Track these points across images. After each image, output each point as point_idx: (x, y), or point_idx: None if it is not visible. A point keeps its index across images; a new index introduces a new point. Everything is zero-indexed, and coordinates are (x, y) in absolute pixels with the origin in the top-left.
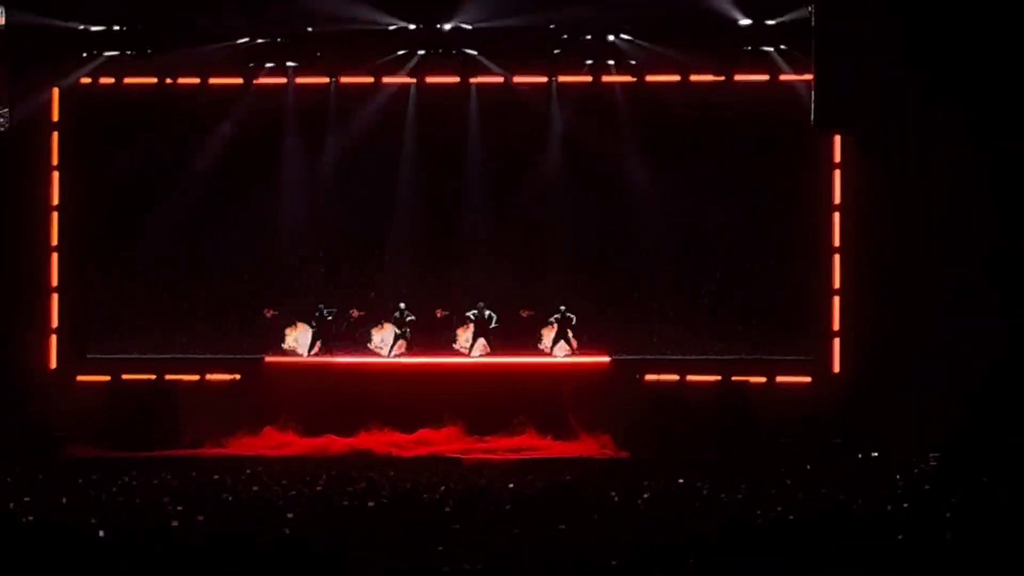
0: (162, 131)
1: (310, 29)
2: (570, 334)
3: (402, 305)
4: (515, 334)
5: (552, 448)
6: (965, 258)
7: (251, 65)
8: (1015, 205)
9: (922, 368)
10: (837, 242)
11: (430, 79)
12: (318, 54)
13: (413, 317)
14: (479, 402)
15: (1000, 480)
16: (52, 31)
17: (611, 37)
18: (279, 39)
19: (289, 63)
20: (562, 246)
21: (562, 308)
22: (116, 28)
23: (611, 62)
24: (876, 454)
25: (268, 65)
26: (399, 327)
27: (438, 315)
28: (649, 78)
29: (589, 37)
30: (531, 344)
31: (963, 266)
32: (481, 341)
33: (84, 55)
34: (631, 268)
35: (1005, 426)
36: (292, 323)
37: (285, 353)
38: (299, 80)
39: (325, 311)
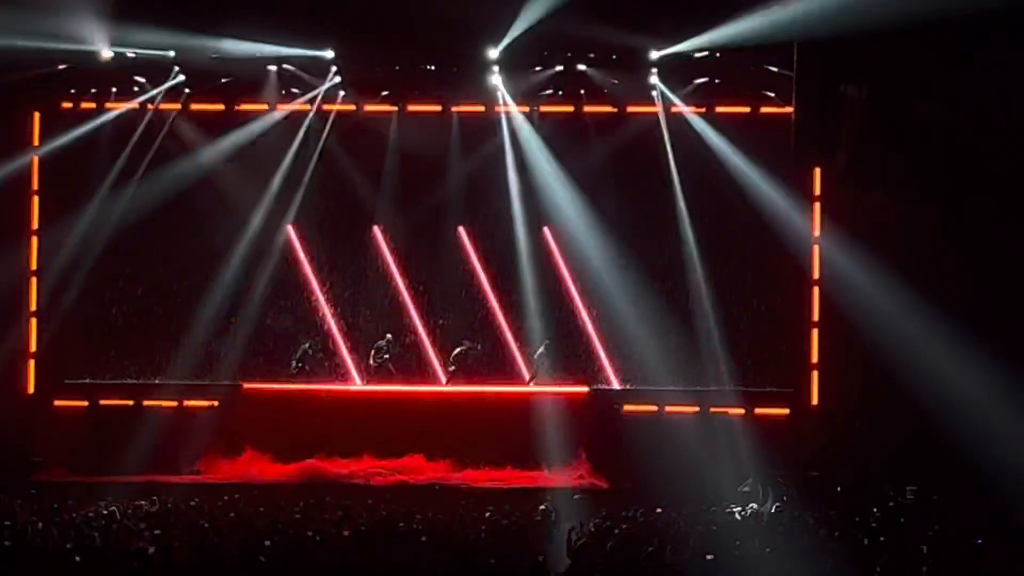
0: (142, 157)
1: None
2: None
3: (388, 336)
4: (494, 363)
5: (530, 477)
6: (944, 291)
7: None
8: (992, 239)
9: (900, 401)
10: (816, 275)
11: (412, 107)
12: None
13: (397, 348)
14: (457, 431)
15: (976, 514)
16: (35, 54)
17: (583, 67)
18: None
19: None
20: (542, 277)
21: (547, 341)
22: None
23: (582, 91)
24: (852, 486)
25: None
26: (383, 354)
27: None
28: (630, 109)
29: (560, 68)
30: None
31: (942, 299)
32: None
33: (66, 79)
34: (610, 299)
35: (984, 460)
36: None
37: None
38: (280, 107)
39: (308, 346)
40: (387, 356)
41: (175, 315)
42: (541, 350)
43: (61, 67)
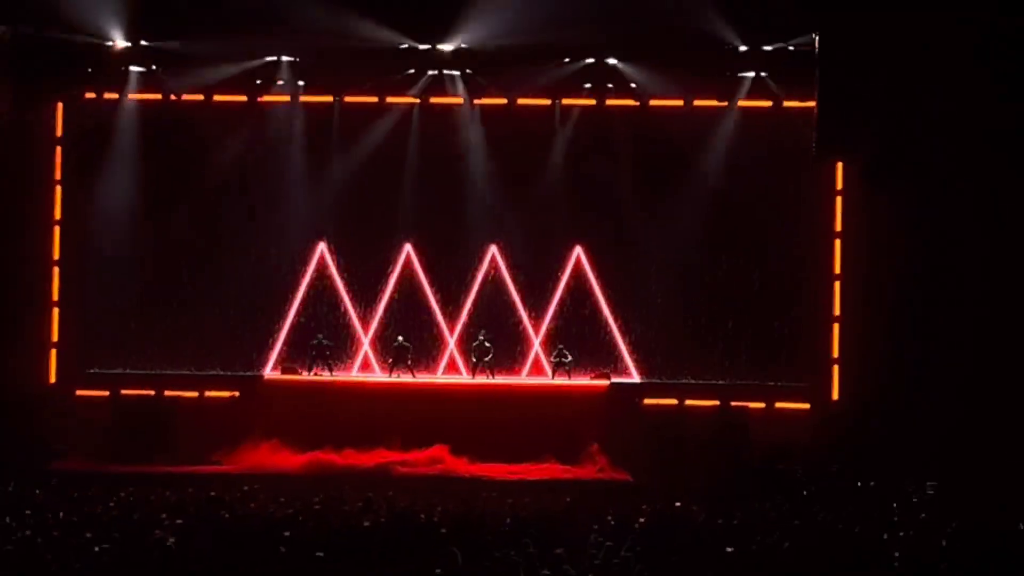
0: (166, 147)
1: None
2: (566, 365)
3: (400, 338)
4: (512, 356)
5: (550, 470)
6: (966, 286)
7: (258, 83)
8: (1015, 233)
9: (921, 395)
10: (838, 269)
11: (434, 99)
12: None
13: (408, 345)
14: (478, 424)
15: (996, 509)
16: (58, 44)
17: (612, 60)
18: (285, 58)
19: (300, 82)
20: (564, 268)
21: (560, 346)
22: (124, 44)
23: (610, 85)
24: (873, 482)
25: (280, 82)
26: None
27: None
28: (652, 103)
29: (591, 61)
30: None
31: (964, 293)
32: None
33: (90, 70)
34: (630, 291)
35: (1005, 455)
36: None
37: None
38: (303, 98)
39: (323, 339)
40: (408, 360)
41: (197, 305)
42: (479, 340)
43: (83, 56)
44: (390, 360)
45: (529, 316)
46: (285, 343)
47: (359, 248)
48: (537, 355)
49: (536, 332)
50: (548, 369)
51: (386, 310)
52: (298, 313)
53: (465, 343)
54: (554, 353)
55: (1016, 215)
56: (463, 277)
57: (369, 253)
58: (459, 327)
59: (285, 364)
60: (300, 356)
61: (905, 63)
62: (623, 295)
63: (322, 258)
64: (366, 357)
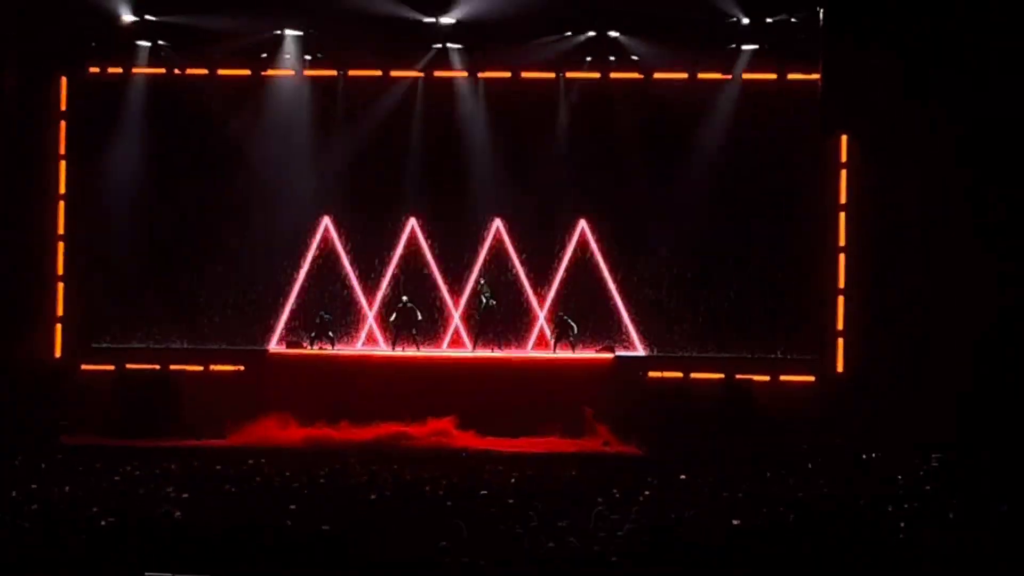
0: (170, 122)
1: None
2: (571, 336)
3: (404, 298)
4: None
5: (555, 443)
6: (969, 259)
7: (263, 56)
8: (1017, 207)
9: (926, 368)
10: (842, 242)
11: (438, 73)
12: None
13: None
14: (483, 397)
15: (1002, 481)
16: (62, 19)
17: (614, 33)
18: (290, 32)
19: (306, 56)
20: (568, 243)
21: (560, 314)
22: (129, 19)
23: (612, 58)
24: (877, 454)
25: (285, 56)
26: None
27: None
28: (656, 75)
29: (593, 33)
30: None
31: (967, 267)
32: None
33: (93, 44)
34: (635, 265)
35: (1009, 425)
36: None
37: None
38: (308, 73)
39: (324, 315)
40: (414, 328)
41: (202, 280)
42: (399, 308)
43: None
44: (393, 329)
45: (534, 290)
46: (289, 317)
47: (364, 223)
48: (542, 329)
49: (541, 306)
50: (550, 338)
51: (390, 284)
52: (303, 288)
53: (470, 317)
54: (556, 322)
55: (1019, 188)
56: (468, 251)
57: (374, 228)
58: (463, 302)
59: (289, 338)
60: (304, 330)
61: (910, 34)
62: (628, 268)
63: (327, 232)
64: (370, 331)
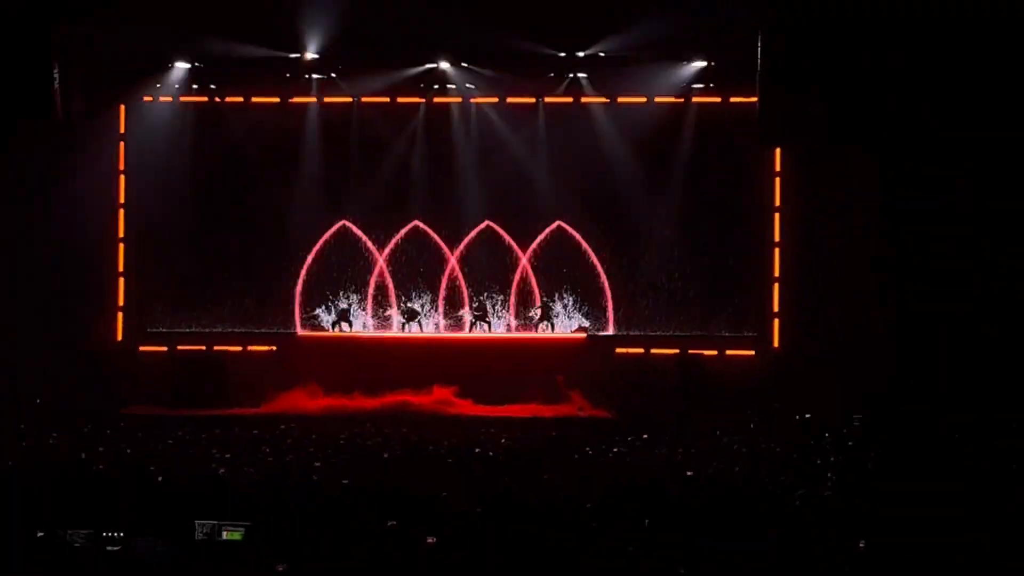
0: (212, 142)
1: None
2: (550, 319)
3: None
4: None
5: (538, 409)
6: (885, 250)
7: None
8: (926, 206)
9: (849, 343)
10: (777, 238)
11: (437, 99)
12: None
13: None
14: (478, 371)
15: (914, 437)
16: (122, 57)
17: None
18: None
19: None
20: (547, 241)
21: (544, 299)
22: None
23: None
24: (809, 416)
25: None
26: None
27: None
28: (620, 99)
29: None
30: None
31: (882, 257)
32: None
33: (146, 77)
34: (606, 259)
35: (918, 390)
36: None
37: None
38: (327, 99)
39: (340, 302)
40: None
41: (240, 274)
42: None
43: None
44: (405, 318)
45: (518, 281)
46: (308, 304)
47: (376, 226)
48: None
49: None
50: (535, 316)
51: (396, 277)
52: (322, 279)
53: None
54: (535, 309)
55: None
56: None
57: (383, 228)
58: (465, 292)
59: (315, 323)
60: (326, 316)
61: (835, 67)
62: (600, 262)
63: (344, 234)
64: (382, 317)
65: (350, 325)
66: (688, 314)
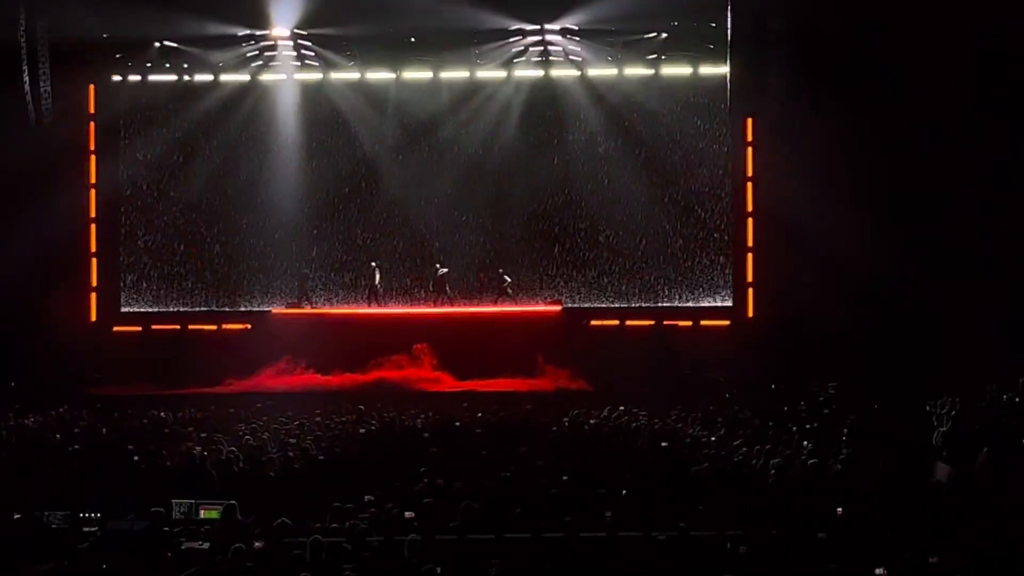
0: (181, 122)
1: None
2: (509, 291)
3: (373, 263)
4: (482, 288)
5: (514, 382)
6: (858, 220)
7: (257, 64)
8: (900, 176)
9: (820, 314)
10: (750, 207)
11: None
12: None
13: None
14: (453, 344)
15: (887, 403)
16: (90, 37)
17: (552, 37)
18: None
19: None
20: (523, 216)
21: (500, 271)
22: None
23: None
24: (783, 385)
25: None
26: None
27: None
28: (590, 72)
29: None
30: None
31: (856, 226)
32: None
33: (117, 56)
34: (581, 233)
35: (889, 360)
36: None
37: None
38: (297, 76)
39: (307, 273)
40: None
41: (213, 254)
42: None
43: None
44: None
45: (495, 254)
46: (287, 282)
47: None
48: (497, 284)
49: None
50: (505, 289)
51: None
52: (297, 257)
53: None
54: (499, 279)
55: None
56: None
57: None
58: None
59: (288, 300)
60: (299, 294)
61: (802, 36)
62: (578, 235)
63: (317, 215)
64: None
65: (309, 300)
66: (662, 285)
